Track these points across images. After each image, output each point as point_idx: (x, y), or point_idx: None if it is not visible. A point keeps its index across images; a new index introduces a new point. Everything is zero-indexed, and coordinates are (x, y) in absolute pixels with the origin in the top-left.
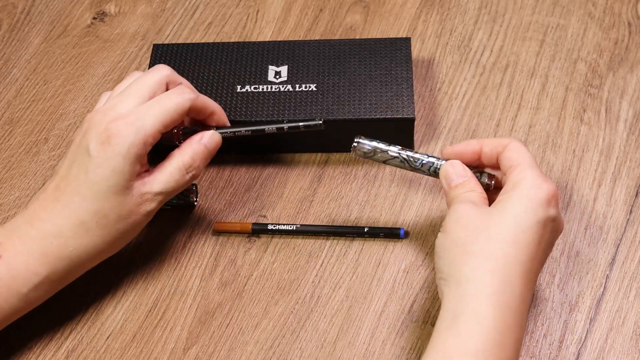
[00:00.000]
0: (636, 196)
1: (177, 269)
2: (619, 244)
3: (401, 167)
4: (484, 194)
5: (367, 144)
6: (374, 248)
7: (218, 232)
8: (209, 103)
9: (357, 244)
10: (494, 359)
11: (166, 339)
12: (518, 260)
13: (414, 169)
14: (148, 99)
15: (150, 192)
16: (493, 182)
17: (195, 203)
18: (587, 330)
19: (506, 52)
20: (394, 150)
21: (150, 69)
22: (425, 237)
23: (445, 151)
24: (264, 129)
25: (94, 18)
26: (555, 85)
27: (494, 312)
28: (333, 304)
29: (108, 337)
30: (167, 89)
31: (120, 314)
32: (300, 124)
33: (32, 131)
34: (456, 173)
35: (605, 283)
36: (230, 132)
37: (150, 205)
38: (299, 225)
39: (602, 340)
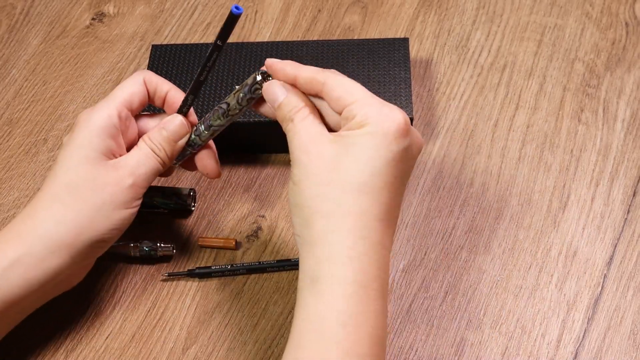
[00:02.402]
0: (634, 196)
1: (176, 268)
2: (616, 244)
3: (225, 122)
4: (315, 111)
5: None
6: None
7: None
8: (159, 80)
9: None
10: (360, 316)
11: (165, 339)
12: (374, 209)
13: (234, 110)
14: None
15: (125, 165)
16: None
17: (193, 208)
18: (585, 330)
19: (504, 53)
20: (206, 119)
21: (132, 76)
22: (423, 237)
23: (267, 64)
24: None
25: (93, 19)
26: (553, 85)
27: (353, 270)
28: None
29: (107, 337)
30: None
31: (119, 314)
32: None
33: (31, 132)
34: (275, 92)
35: (603, 282)
36: (187, 106)
37: (129, 179)
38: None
39: (600, 340)
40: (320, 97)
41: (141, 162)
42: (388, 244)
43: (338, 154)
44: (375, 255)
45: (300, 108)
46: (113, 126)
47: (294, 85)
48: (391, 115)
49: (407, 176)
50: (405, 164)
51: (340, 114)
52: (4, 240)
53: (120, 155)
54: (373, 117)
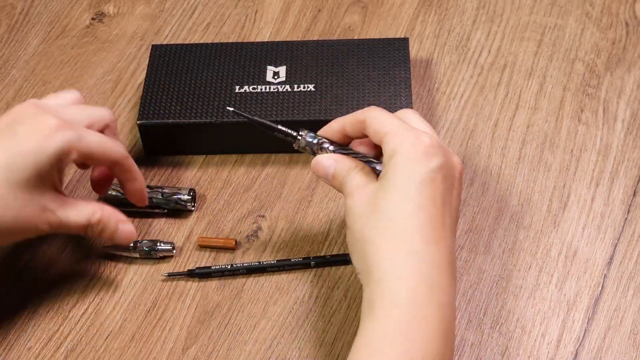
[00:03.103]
0: (634, 195)
1: (176, 268)
2: (616, 244)
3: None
4: (366, 167)
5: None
6: None
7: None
8: (137, 173)
9: None
10: (413, 333)
11: (165, 339)
12: (414, 229)
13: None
14: (85, 125)
15: (54, 212)
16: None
17: (193, 208)
18: (585, 330)
19: (504, 52)
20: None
21: (96, 106)
22: None
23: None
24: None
25: (93, 19)
26: (553, 85)
27: (406, 287)
28: (331, 303)
29: (107, 337)
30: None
31: (119, 313)
32: None
33: None
34: (324, 166)
35: (603, 282)
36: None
37: (45, 226)
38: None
39: (600, 340)
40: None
41: (72, 219)
42: (440, 262)
43: (377, 189)
44: (428, 272)
45: (351, 169)
46: (64, 164)
47: (345, 135)
48: (415, 140)
49: (445, 196)
50: (439, 184)
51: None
52: None
53: (57, 191)
54: (400, 146)
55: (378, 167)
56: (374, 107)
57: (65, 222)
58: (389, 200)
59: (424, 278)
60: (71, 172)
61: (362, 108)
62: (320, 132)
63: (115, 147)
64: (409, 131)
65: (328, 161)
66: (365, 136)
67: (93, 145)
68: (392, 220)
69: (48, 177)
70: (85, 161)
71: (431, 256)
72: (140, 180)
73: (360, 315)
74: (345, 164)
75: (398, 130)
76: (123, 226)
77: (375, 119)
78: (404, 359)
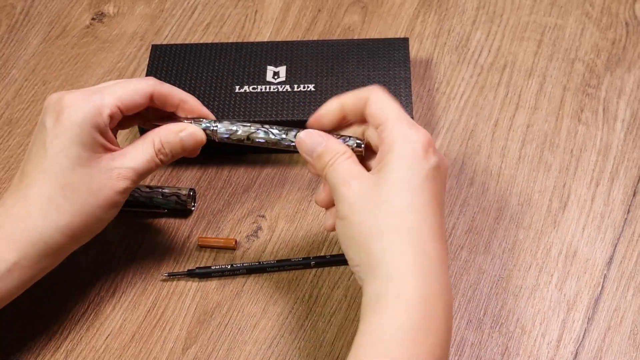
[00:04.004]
0: (634, 195)
1: (176, 268)
2: (616, 244)
3: (265, 145)
4: (353, 155)
5: (226, 127)
6: None
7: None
8: (175, 91)
9: None
10: (421, 332)
11: (165, 339)
12: (424, 226)
13: (276, 143)
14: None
15: (121, 166)
16: (363, 146)
17: (193, 208)
18: (585, 330)
19: (504, 52)
20: (253, 126)
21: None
22: None
23: (308, 123)
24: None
25: (93, 19)
26: (553, 85)
27: (416, 285)
28: (331, 303)
29: (107, 337)
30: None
31: (119, 314)
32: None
33: (31, 132)
34: (314, 142)
35: (603, 282)
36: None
37: (124, 183)
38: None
39: (600, 340)
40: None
41: (140, 162)
42: (445, 260)
43: (377, 180)
44: (438, 271)
45: (342, 153)
46: (103, 123)
47: (342, 117)
48: (416, 137)
49: (442, 196)
50: (438, 183)
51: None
52: (4, 243)
53: (111, 150)
54: (402, 138)
55: (350, 142)
56: (377, 86)
57: (137, 167)
58: (396, 194)
59: (436, 277)
60: None
61: None
62: (318, 112)
63: (142, 81)
64: (410, 124)
65: (319, 138)
66: (362, 120)
67: (120, 93)
68: (401, 214)
69: (92, 142)
70: (123, 112)
71: (438, 254)
72: (189, 100)
73: (362, 310)
74: (336, 146)
75: (397, 121)
76: (183, 134)
77: (376, 102)
78: (412, 355)
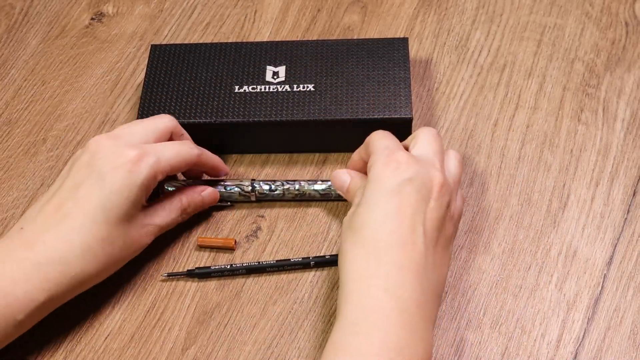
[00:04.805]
0: (633, 195)
1: (176, 268)
2: (616, 244)
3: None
4: None
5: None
6: None
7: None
8: (212, 159)
9: None
10: (405, 345)
11: (164, 339)
12: (382, 235)
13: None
14: (153, 140)
15: (151, 223)
16: None
17: (254, 200)
18: (585, 330)
19: (503, 52)
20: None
21: (156, 116)
22: None
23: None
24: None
25: (92, 19)
26: (553, 85)
27: (371, 294)
28: (331, 303)
29: (106, 338)
30: (170, 139)
31: (119, 314)
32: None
33: (31, 132)
34: (341, 179)
35: (603, 282)
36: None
37: (151, 238)
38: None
39: (600, 340)
40: None
41: (167, 220)
42: (403, 264)
43: (356, 205)
44: (389, 273)
45: (362, 187)
46: (153, 187)
47: (365, 162)
48: (387, 159)
49: (421, 207)
50: (410, 195)
51: None
52: (32, 284)
53: (144, 205)
54: (374, 164)
55: None
56: (379, 131)
57: (165, 225)
58: (359, 213)
59: (385, 280)
60: None
61: (361, 108)
62: (347, 166)
63: (190, 151)
64: (386, 151)
65: (345, 176)
66: None
67: (172, 161)
68: (361, 230)
69: (139, 201)
70: (169, 174)
71: (392, 258)
72: (220, 166)
73: (335, 324)
74: (358, 182)
75: (378, 151)
76: (204, 193)
77: (370, 143)
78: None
